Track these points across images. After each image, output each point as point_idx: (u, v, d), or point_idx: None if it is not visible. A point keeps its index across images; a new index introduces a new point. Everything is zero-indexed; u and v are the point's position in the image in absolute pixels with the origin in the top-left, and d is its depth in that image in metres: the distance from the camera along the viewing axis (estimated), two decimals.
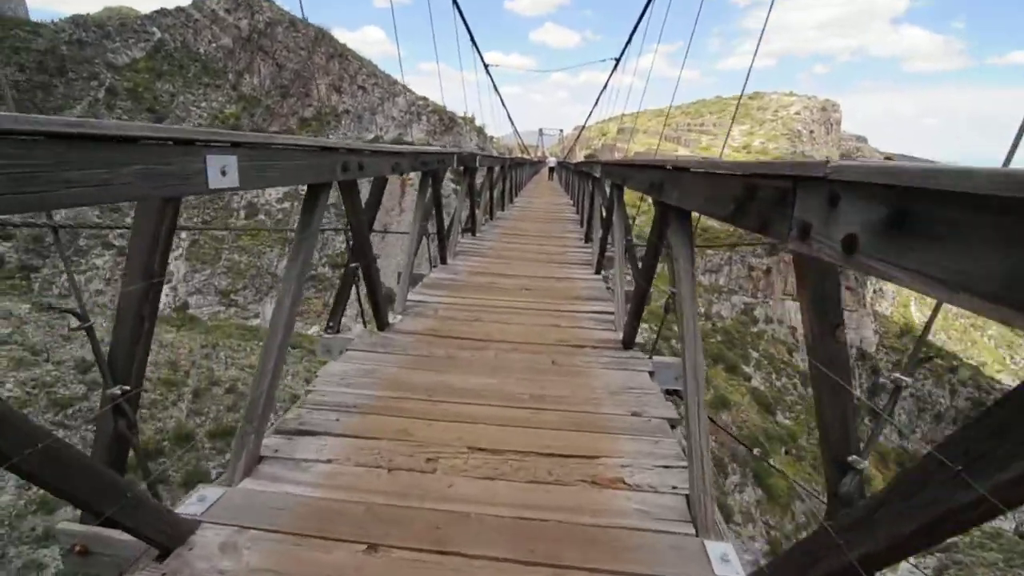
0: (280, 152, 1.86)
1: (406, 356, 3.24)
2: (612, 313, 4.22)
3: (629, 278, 4.29)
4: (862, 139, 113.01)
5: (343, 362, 3.11)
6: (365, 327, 3.63)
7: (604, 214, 6.13)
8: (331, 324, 3.36)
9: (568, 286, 5.29)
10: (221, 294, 31.25)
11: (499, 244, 7.70)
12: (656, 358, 3.32)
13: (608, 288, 5.24)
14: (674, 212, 2.20)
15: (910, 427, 43.78)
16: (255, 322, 30.18)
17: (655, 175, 2.46)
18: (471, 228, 8.02)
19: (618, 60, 10.01)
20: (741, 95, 5.53)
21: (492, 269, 5.91)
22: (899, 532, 0.88)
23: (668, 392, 2.99)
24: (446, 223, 6.46)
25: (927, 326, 1.68)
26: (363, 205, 3.41)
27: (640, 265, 3.35)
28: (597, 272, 5.89)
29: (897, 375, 1.57)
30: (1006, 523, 37.62)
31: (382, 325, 3.66)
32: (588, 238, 7.83)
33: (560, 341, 3.64)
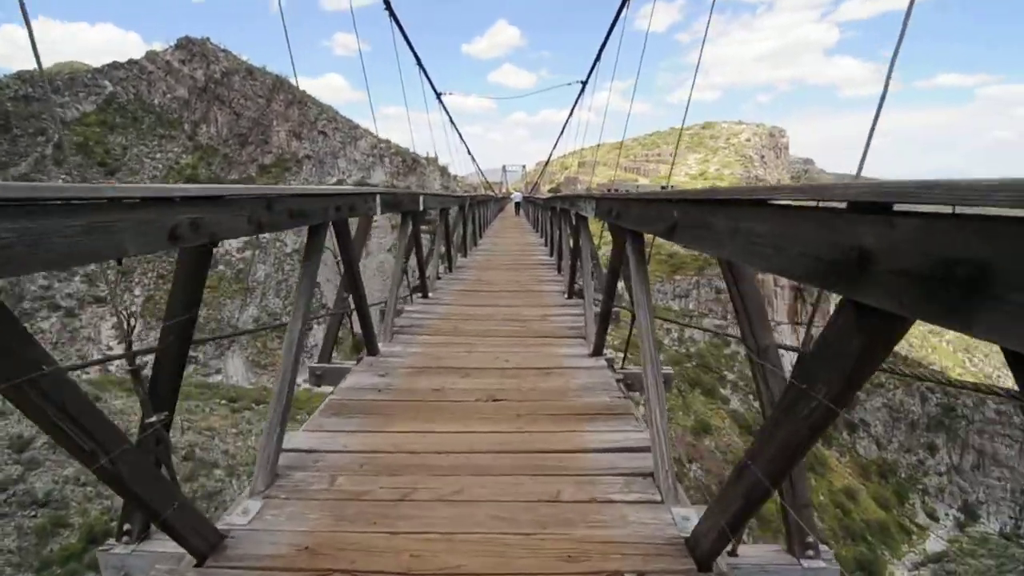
0: None
1: None
2: (646, 451, 2.40)
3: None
4: (809, 161, 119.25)
5: None
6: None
7: (589, 266, 4.98)
8: None
9: (559, 387, 3.39)
10: None
11: (457, 309, 5.75)
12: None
13: (620, 383, 3.46)
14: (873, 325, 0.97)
15: (886, 436, 44.44)
16: (216, 378, 28.62)
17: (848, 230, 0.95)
18: (421, 287, 6.29)
19: (584, 83, 9.88)
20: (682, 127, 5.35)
21: (443, 360, 3.94)
22: None
23: None
24: (379, 292, 5.03)
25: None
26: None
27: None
28: (597, 353, 4.01)
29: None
30: (991, 526, 38.08)
31: (202, 549, 1.77)
32: (571, 292, 6.25)
33: (568, 556, 1.79)
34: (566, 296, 6.40)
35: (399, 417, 2.95)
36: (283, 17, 5.07)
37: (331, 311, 3.85)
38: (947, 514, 40.27)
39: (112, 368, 31.25)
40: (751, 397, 37.73)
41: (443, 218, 7.74)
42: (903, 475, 42.79)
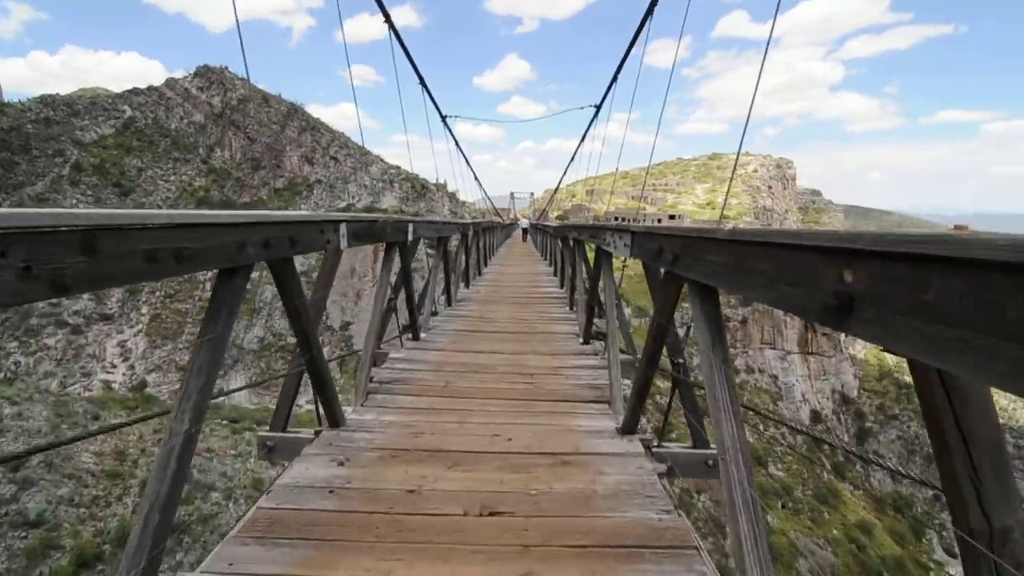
0: None
1: None
2: None
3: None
4: (816, 192, 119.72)
5: None
6: None
7: (614, 312, 4.12)
8: None
9: (582, 491, 2.47)
10: (183, 370, 29.57)
11: (452, 356, 4.85)
12: None
13: (664, 480, 2.62)
14: None
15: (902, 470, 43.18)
16: (218, 399, 28.41)
17: None
18: (411, 329, 5.44)
19: (598, 107, 9.84)
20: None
21: (425, 436, 3.05)
22: None
23: None
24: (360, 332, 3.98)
25: None
26: None
27: None
28: (628, 431, 3.06)
29: None
30: None
31: None
32: (588, 336, 5.44)
33: None
34: (581, 341, 5.48)
35: (350, 548, 1.99)
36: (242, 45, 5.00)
37: (283, 372, 3.11)
38: None
39: (115, 385, 31.22)
40: (760, 427, 36.90)
41: (441, 248, 6.97)
42: (920, 509, 41.42)
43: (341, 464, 2.68)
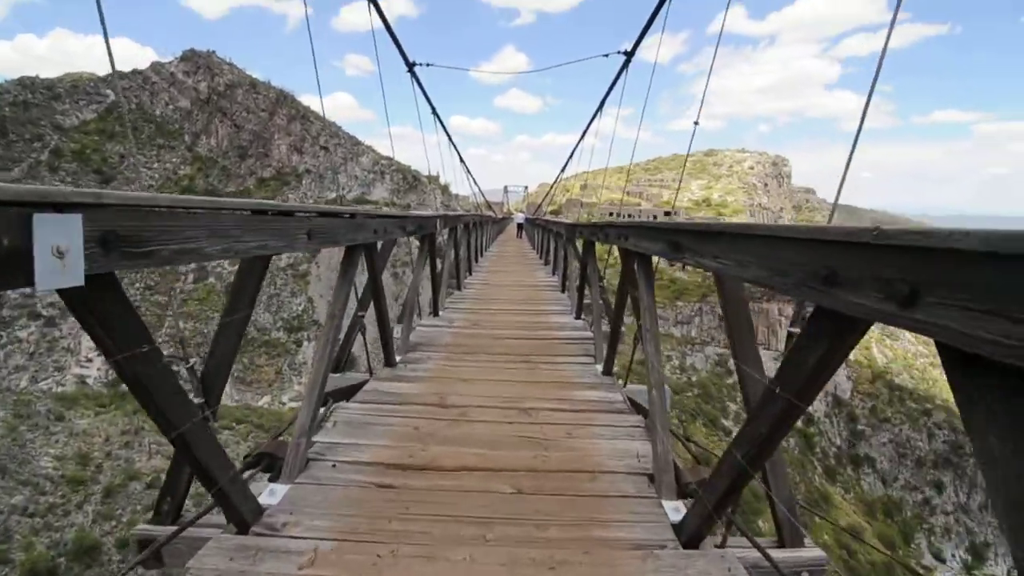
0: None
1: None
2: None
3: None
4: (810, 190, 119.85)
5: None
6: None
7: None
8: None
9: None
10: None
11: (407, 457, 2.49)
12: None
13: None
14: None
15: (892, 473, 43.10)
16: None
17: None
18: (266, 470, 2.43)
19: (630, 54, 8.22)
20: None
21: None
22: None
23: None
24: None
25: None
26: None
27: None
28: None
29: None
30: (998, 569, 36.42)
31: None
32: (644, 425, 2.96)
33: None
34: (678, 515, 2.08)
35: None
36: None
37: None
38: (953, 555, 38.84)
39: (90, 380, 30.17)
40: None
41: (362, 259, 3.19)
42: (909, 514, 41.37)
43: None
